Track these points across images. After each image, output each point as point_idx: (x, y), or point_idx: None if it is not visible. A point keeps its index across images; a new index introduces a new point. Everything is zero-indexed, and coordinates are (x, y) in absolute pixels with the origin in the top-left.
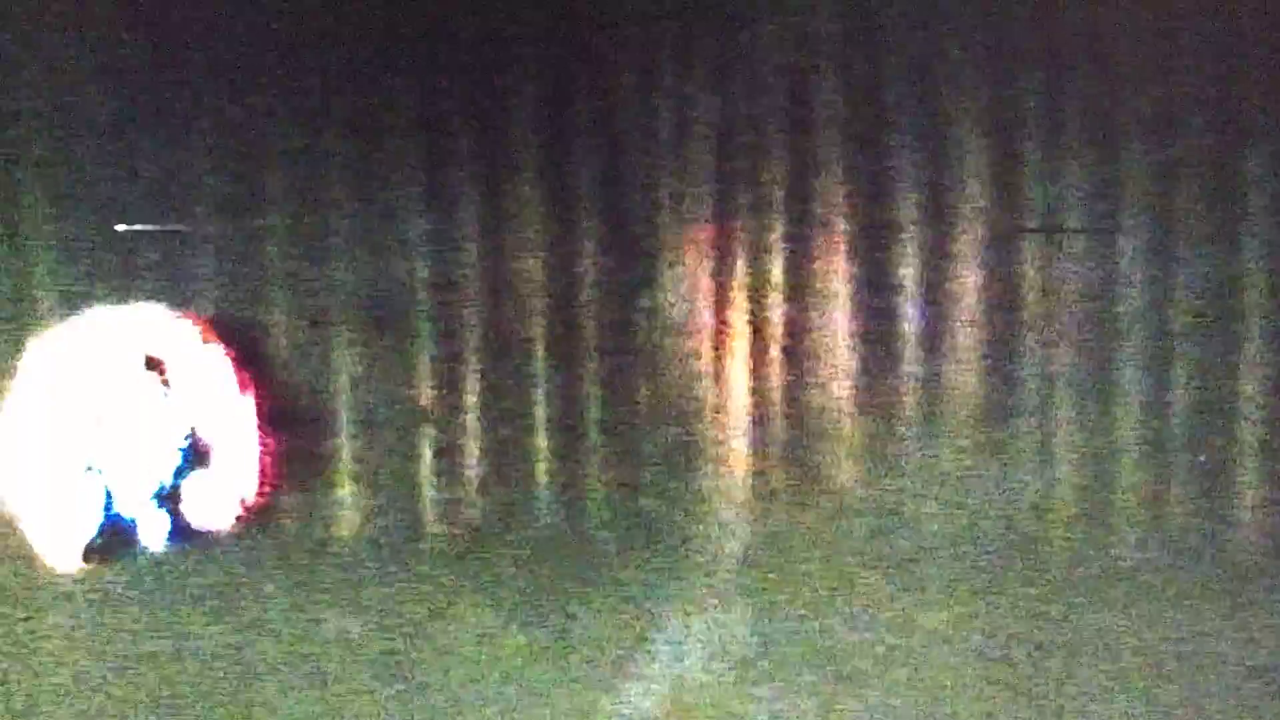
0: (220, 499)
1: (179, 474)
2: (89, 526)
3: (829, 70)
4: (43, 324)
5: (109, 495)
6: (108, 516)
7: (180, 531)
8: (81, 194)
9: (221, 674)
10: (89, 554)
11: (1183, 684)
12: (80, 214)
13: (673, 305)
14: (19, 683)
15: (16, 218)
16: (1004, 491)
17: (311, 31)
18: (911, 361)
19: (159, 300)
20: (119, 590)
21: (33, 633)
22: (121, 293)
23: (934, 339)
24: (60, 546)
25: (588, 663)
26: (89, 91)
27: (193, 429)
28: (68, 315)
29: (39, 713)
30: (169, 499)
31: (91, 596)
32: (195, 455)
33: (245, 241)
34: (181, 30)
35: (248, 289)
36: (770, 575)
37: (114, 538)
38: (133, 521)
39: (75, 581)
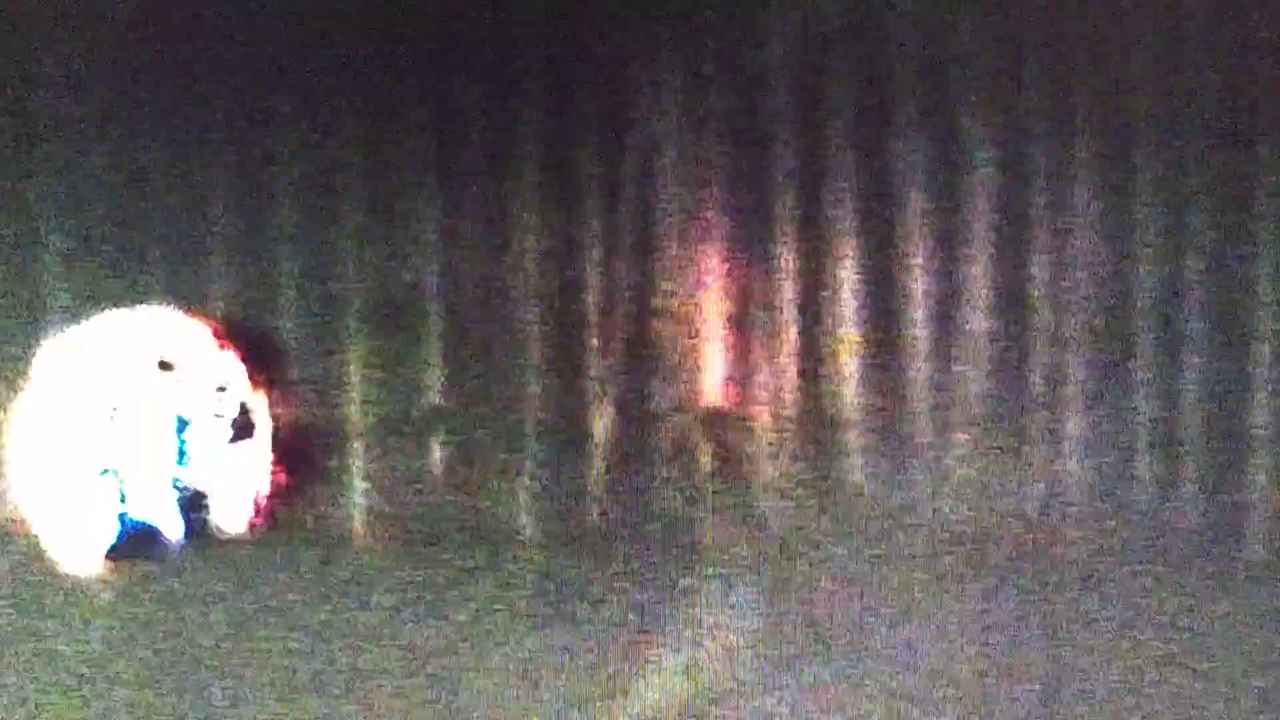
0: (235, 501)
1: (194, 476)
2: (106, 530)
3: (837, 63)
4: (55, 328)
5: (124, 498)
6: (124, 520)
7: (196, 533)
8: (92, 196)
9: (233, 676)
10: (109, 557)
11: (1194, 680)
12: (92, 217)
13: (682, 303)
14: (31, 686)
15: (28, 222)
16: (1016, 488)
17: (321, 29)
18: (923, 359)
19: (172, 303)
20: (132, 594)
21: (44, 636)
22: (134, 296)
23: (944, 337)
24: (76, 549)
25: (600, 663)
26: (99, 93)
27: (208, 430)
28: (80, 319)
29: (48, 715)
30: (184, 501)
31: (105, 601)
32: (211, 457)
33: (257, 243)
34: (191, 30)
35: (260, 291)
36: (783, 574)
37: (132, 540)
38: (150, 524)
39: (88, 586)
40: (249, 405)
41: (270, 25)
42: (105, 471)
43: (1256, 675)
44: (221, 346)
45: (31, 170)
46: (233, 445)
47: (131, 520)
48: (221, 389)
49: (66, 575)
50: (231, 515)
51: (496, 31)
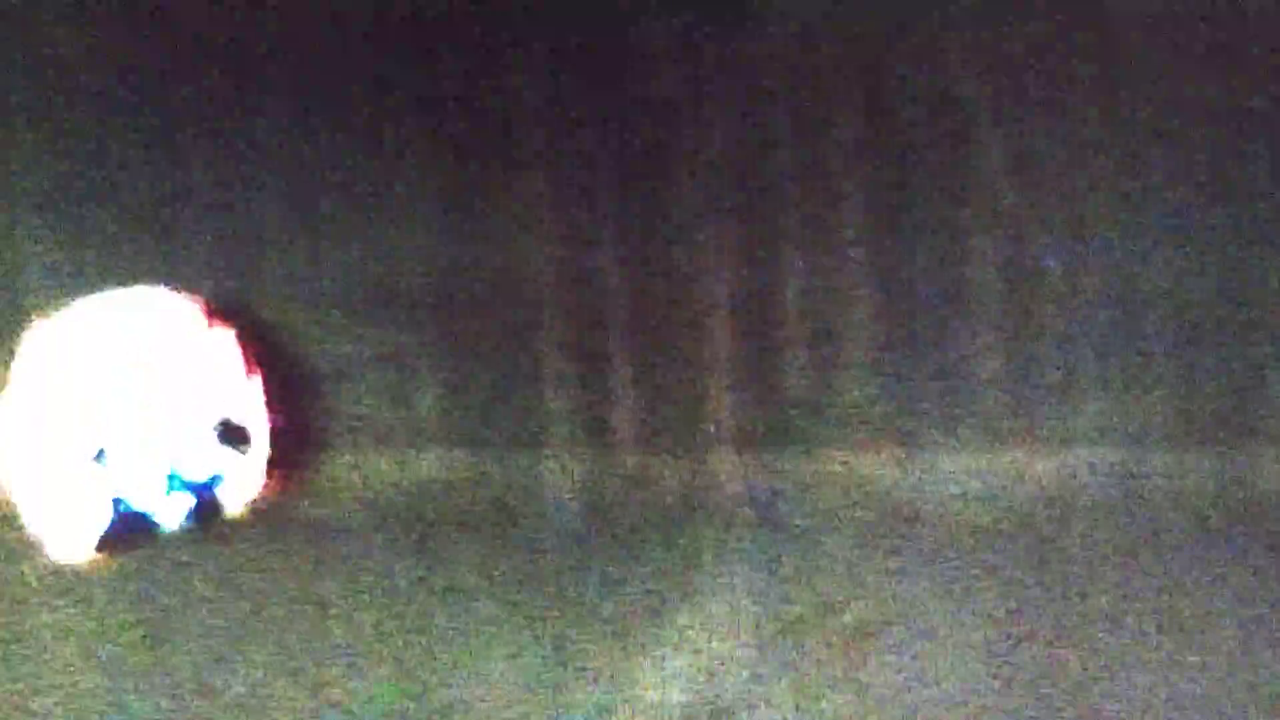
0: (230, 484)
1: (188, 460)
2: (100, 516)
3: (839, 63)
4: (44, 310)
5: (117, 485)
6: (118, 506)
7: (191, 519)
8: (77, 178)
9: (219, 667)
10: (103, 544)
11: (1203, 676)
12: (78, 198)
13: (684, 294)
14: (10, 678)
15: (12, 203)
16: (1023, 481)
17: (310, 11)
18: (929, 351)
19: (162, 283)
20: (117, 583)
21: (26, 627)
22: (124, 277)
23: (953, 330)
24: (67, 538)
25: (594, 657)
26: (82, 77)
27: (205, 412)
28: (69, 300)
29: (31, 709)
30: (179, 487)
31: (89, 589)
32: (205, 440)
33: (246, 224)
34: (174, 12)
35: (251, 274)
36: (784, 569)
37: (127, 527)
38: (143, 511)
39: (73, 574)
40: (238, 396)
41: (257, 5)
42: (97, 457)
43: (1269, 672)
44: (211, 325)
45: (14, 153)
46: (224, 438)
47: (125, 507)
48: (202, 376)
49: (57, 564)
50: (228, 500)
51: (492, 20)
